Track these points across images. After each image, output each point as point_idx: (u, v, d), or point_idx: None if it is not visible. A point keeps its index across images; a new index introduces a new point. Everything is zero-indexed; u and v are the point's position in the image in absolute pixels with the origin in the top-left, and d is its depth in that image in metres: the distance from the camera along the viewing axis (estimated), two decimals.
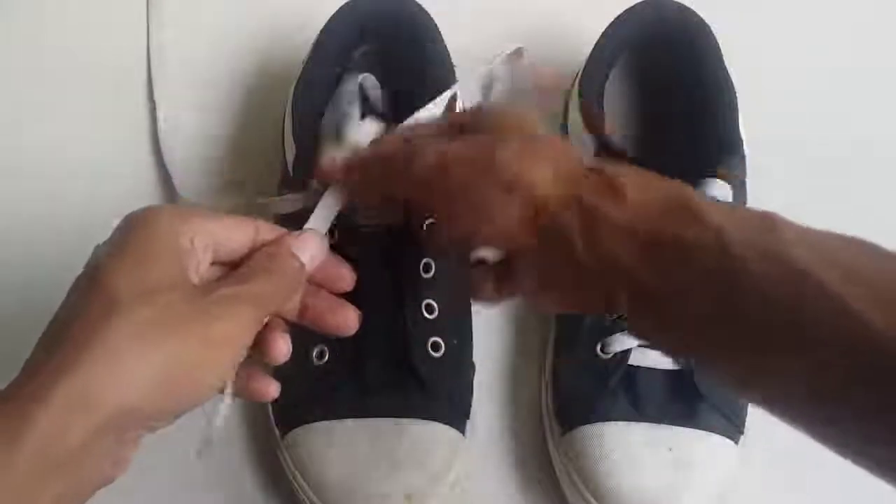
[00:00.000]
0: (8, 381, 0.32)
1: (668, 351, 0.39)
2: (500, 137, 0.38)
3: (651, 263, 0.34)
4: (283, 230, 0.39)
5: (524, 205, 0.36)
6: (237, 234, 0.38)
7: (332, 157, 0.43)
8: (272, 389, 0.40)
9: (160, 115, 0.59)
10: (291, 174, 0.49)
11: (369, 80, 0.53)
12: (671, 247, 0.33)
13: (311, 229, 0.41)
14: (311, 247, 0.39)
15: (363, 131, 0.46)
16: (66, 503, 0.32)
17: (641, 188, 0.35)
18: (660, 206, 0.34)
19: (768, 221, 0.32)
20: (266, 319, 0.37)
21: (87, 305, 0.33)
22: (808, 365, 0.30)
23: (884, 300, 0.29)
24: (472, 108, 0.46)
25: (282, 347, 0.38)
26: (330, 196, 0.43)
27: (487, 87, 0.53)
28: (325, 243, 0.40)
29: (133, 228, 0.35)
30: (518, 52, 0.54)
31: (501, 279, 0.41)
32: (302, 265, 0.38)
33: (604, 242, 0.35)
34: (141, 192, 0.57)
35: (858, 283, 0.30)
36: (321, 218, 0.42)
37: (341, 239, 0.48)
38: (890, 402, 0.29)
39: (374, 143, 0.45)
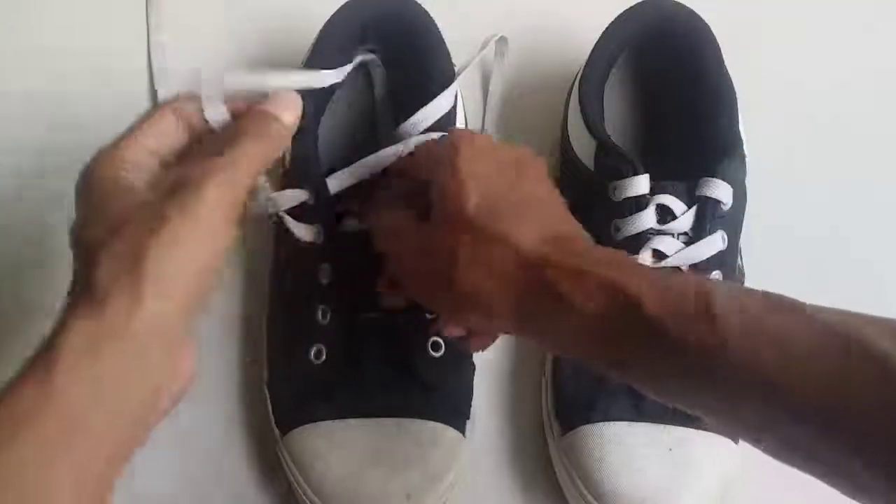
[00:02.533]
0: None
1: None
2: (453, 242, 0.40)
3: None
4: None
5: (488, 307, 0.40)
6: (164, 129, 0.39)
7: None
8: None
9: None
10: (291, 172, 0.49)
11: (373, 61, 0.53)
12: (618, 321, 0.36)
13: (286, 90, 0.41)
14: (291, 106, 0.40)
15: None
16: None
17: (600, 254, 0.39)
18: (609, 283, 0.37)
19: (700, 302, 0.34)
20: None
21: (80, 257, 0.35)
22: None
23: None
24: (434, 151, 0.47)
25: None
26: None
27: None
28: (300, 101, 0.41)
29: (83, 188, 0.37)
30: (503, 41, 0.55)
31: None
32: (284, 126, 0.40)
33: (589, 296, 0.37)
34: None
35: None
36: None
37: (340, 240, 0.48)
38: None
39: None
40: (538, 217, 0.40)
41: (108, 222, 0.35)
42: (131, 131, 0.38)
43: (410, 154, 0.47)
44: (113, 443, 0.33)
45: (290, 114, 0.40)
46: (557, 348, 0.42)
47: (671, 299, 0.35)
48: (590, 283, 0.37)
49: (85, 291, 0.33)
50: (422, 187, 0.43)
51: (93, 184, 0.37)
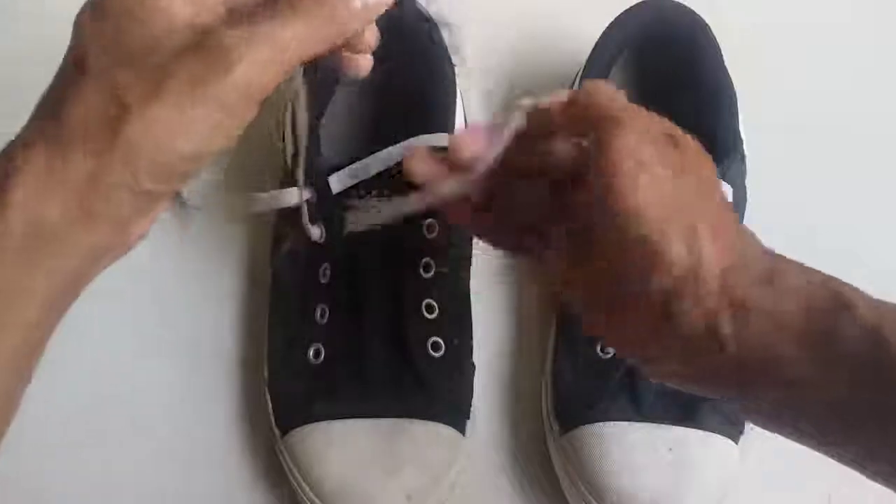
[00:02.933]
0: None
1: (778, 429, 0.37)
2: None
3: (806, 354, 0.32)
4: None
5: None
6: None
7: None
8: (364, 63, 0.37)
9: None
10: (290, 170, 0.49)
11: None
12: (824, 338, 0.32)
13: None
14: None
15: None
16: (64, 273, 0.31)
17: (791, 274, 0.34)
18: (809, 296, 0.33)
19: None
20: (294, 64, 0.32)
21: (62, 78, 0.31)
22: None
23: None
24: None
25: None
26: None
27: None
28: None
29: None
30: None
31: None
32: (357, 9, 0.33)
33: (754, 332, 0.33)
34: None
35: None
36: None
37: (341, 240, 0.48)
38: None
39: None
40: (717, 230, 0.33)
41: (119, 51, 0.30)
42: None
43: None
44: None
45: None
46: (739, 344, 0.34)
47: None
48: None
49: (52, 125, 0.30)
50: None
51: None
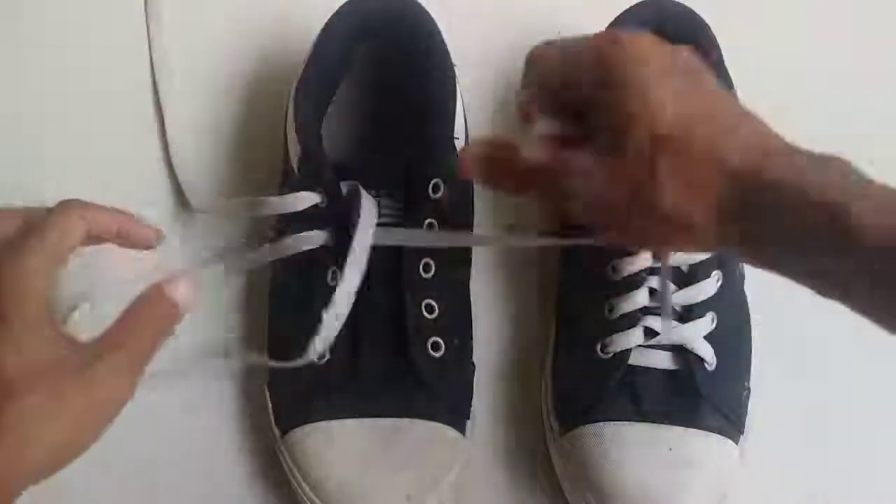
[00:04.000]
0: None
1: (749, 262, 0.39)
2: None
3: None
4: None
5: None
6: (69, 240, 0.39)
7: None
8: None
9: (166, 119, 0.59)
10: (296, 174, 0.49)
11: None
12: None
13: (184, 272, 0.41)
14: (185, 292, 0.40)
15: None
16: None
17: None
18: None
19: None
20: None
21: None
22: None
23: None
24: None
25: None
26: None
27: None
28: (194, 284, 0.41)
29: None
30: None
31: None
32: (177, 308, 0.40)
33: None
34: (148, 196, 0.57)
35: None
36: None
37: (340, 240, 0.48)
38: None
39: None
40: (744, 129, 0.37)
41: (28, 362, 0.36)
42: (36, 235, 0.38)
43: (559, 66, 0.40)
44: None
45: (186, 293, 0.40)
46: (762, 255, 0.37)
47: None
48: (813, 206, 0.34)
49: None
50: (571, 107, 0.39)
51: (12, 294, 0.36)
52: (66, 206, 0.40)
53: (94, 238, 0.41)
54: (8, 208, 0.41)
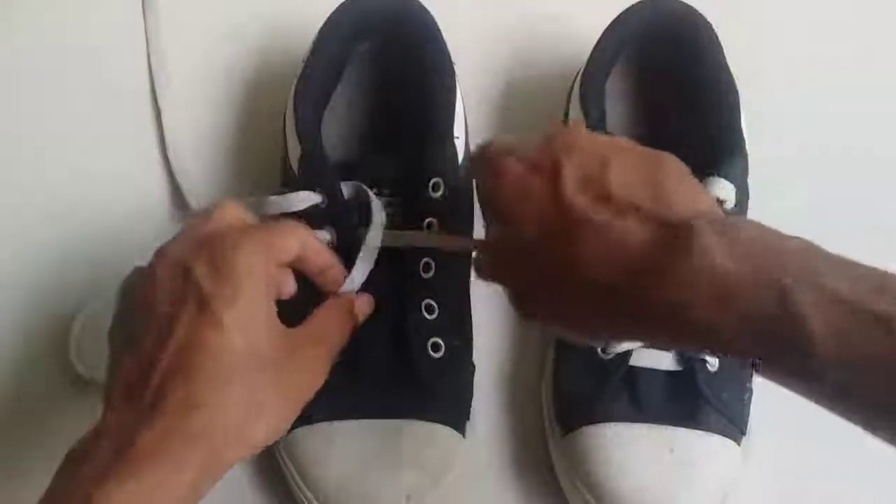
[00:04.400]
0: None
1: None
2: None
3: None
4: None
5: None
6: (287, 253, 0.41)
7: None
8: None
9: (164, 119, 0.59)
10: (297, 174, 0.49)
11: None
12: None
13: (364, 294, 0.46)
14: (364, 304, 0.46)
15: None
16: None
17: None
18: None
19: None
20: None
21: (204, 348, 0.36)
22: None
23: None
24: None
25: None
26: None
27: None
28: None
29: (224, 255, 0.38)
30: None
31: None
32: (357, 317, 0.45)
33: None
34: (147, 196, 0.57)
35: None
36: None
37: (341, 239, 0.47)
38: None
39: None
40: (663, 192, 0.36)
41: (248, 335, 0.38)
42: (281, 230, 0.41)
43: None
44: None
45: (364, 305, 0.45)
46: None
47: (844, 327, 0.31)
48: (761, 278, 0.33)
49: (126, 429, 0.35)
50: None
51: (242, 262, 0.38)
52: (295, 226, 0.42)
53: (293, 263, 0.42)
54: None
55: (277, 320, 0.39)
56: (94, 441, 0.35)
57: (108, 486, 0.33)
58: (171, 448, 0.35)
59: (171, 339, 0.36)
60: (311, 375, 0.41)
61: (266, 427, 0.38)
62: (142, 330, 0.37)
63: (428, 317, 0.49)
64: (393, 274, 0.48)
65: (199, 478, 0.35)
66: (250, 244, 0.38)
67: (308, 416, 0.48)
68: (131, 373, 0.37)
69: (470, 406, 0.50)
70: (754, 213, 0.52)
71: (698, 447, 0.47)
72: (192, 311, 0.37)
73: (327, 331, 0.42)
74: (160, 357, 0.36)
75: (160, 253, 0.39)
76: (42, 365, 0.53)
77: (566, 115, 0.56)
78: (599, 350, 0.48)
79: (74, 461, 0.35)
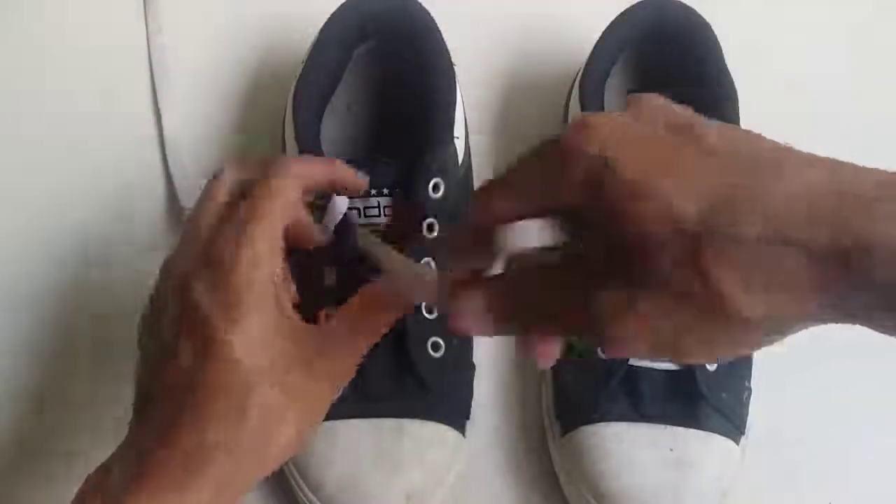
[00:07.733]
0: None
1: None
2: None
3: None
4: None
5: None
6: (289, 213, 0.38)
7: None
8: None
9: (164, 119, 0.59)
10: None
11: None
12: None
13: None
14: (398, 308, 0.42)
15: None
16: None
17: None
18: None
19: None
20: None
21: (209, 372, 0.35)
22: None
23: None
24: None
25: None
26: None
27: None
28: None
29: (222, 267, 0.36)
30: None
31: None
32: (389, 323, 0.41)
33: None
34: (147, 196, 0.57)
35: None
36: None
37: (340, 238, 0.47)
38: None
39: None
40: (789, 172, 0.32)
41: (263, 353, 0.35)
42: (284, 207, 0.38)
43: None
44: None
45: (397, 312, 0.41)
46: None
47: None
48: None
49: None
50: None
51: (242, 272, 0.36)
52: (279, 169, 0.38)
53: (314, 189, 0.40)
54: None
55: (295, 320, 0.37)
56: (110, 465, 0.35)
57: None
58: (184, 469, 0.34)
59: (177, 372, 0.35)
60: (344, 368, 0.39)
61: (287, 439, 0.36)
62: (153, 352, 0.37)
63: (428, 317, 0.49)
64: None
65: (213, 500, 0.35)
66: (247, 241, 0.36)
67: None
68: (146, 394, 0.36)
69: (470, 406, 0.50)
70: None
71: (697, 447, 0.48)
72: (196, 341, 0.35)
73: (364, 323, 0.39)
74: (168, 384, 0.35)
75: (163, 269, 0.38)
76: (46, 365, 0.53)
77: (566, 115, 0.56)
78: (599, 350, 0.48)
79: (93, 483, 0.35)
